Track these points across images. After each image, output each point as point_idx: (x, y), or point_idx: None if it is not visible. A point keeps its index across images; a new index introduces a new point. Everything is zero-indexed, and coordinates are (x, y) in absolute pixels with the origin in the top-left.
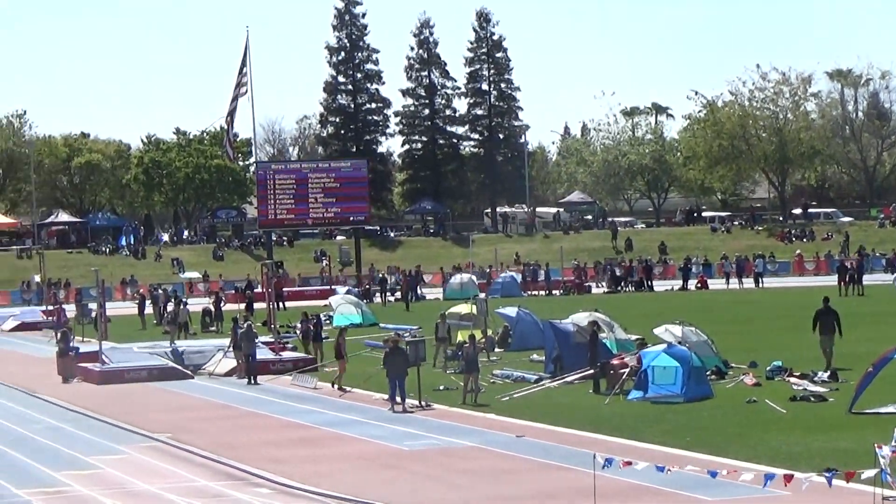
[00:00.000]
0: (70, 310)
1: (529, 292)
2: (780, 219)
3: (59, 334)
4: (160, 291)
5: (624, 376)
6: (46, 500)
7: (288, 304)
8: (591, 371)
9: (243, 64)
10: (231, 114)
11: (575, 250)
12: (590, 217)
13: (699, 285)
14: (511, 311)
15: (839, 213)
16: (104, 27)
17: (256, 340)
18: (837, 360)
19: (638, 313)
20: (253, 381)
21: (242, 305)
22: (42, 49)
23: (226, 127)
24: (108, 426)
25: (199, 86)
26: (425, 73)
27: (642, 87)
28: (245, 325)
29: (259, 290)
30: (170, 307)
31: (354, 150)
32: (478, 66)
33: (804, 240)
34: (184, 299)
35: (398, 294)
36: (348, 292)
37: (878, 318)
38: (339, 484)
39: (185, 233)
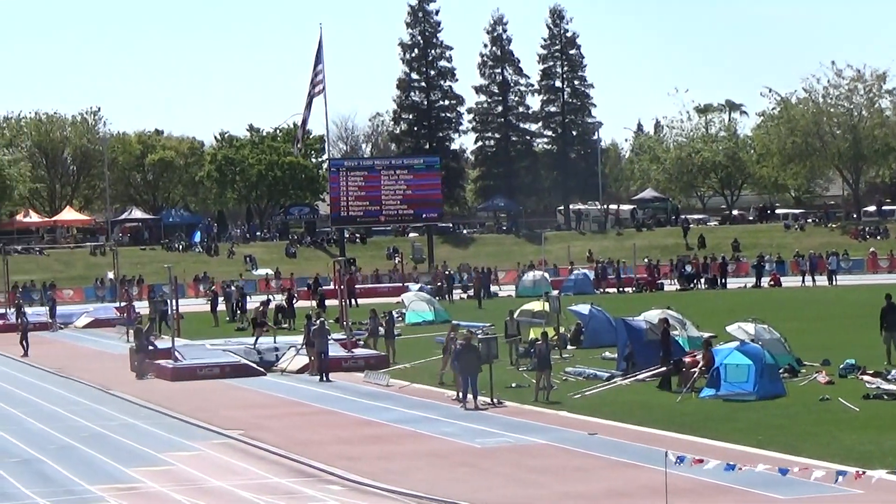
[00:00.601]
0: (143, 307)
1: (602, 289)
2: (854, 216)
3: (134, 331)
4: (233, 288)
5: (696, 374)
6: (119, 496)
7: (360, 301)
8: (664, 368)
9: (317, 61)
10: (307, 110)
11: (648, 247)
12: (663, 215)
13: (772, 283)
14: (584, 308)
15: None
16: (178, 24)
17: (329, 338)
18: None
19: (710, 311)
20: (325, 379)
21: (314, 302)
22: (117, 46)
23: (300, 122)
24: (181, 423)
25: (273, 83)
26: (498, 70)
27: (716, 84)
28: (318, 323)
29: (331, 287)
30: (271, 303)
31: (427, 146)
32: (551, 63)
33: (878, 237)
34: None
35: (471, 292)
36: (421, 289)
37: None
38: (411, 481)
39: (258, 230)
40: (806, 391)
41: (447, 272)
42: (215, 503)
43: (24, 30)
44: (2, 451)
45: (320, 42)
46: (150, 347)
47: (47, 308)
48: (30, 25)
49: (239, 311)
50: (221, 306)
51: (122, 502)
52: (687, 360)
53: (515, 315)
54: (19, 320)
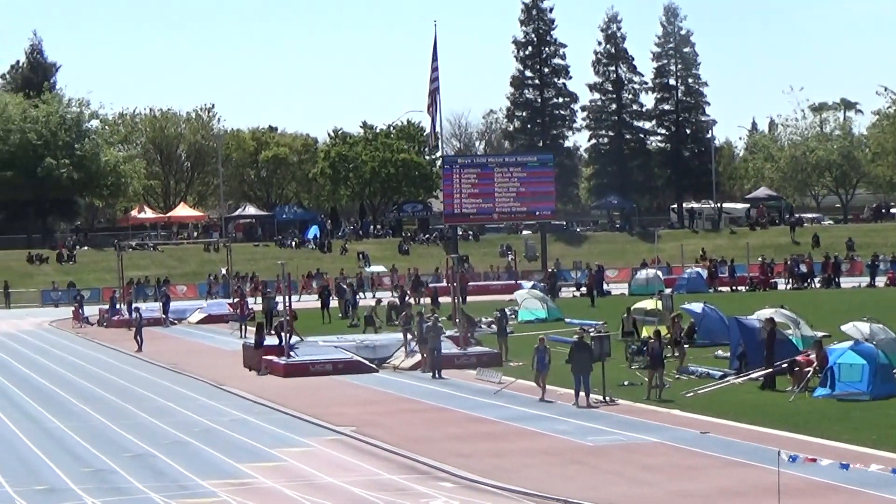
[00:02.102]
0: (255, 303)
1: (715, 288)
2: None
3: (246, 327)
4: (344, 286)
5: (809, 373)
6: (231, 491)
7: (473, 298)
8: (770, 369)
9: (433, 59)
10: (431, 107)
11: (761, 246)
12: (776, 213)
13: (888, 282)
14: (697, 306)
15: None
16: (292, 22)
17: (442, 335)
18: None
19: (825, 310)
20: (438, 376)
21: (421, 300)
22: (232, 43)
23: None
24: (293, 419)
25: (387, 80)
26: (612, 67)
27: (831, 83)
28: (431, 320)
29: (444, 284)
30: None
31: (541, 144)
32: (665, 61)
33: None
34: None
35: (584, 289)
36: (534, 287)
37: None
38: (523, 479)
39: (371, 227)
40: None
41: (551, 270)
42: (327, 499)
43: (139, 27)
44: (116, 446)
45: (435, 40)
46: (264, 343)
47: (160, 304)
48: (146, 23)
49: (351, 308)
50: (333, 303)
51: (235, 498)
52: (800, 359)
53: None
54: (133, 316)
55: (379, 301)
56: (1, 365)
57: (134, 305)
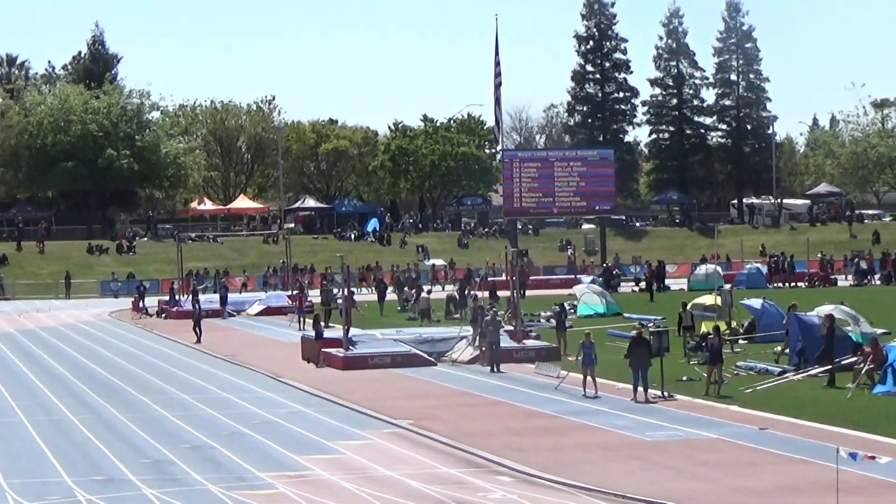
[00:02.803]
0: (314, 295)
1: (774, 284)
2: None
3: (308, 319)
4: (403, 279)
5: (862, 369)
6: (289, 483)
7: (532, 293)
8: (829, 366)
9: (496, 53)
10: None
11: (821, 242)
12: (837, 209)
13: None
14: (756, 302)
15: None
16: (353, 14)
17: (501, 329)
18: None
19: (884, 307)
20: (496, 370)
21: (486, 293)
22: (291, 35)
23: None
24: (351, 411)
25: (447, 73)
26: (674, 62)
27: (893, 79)
28: (490, 314)
29: (503, 278)
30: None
31: (601, 139)
32: (726, 57)
33: None
34: (428, 287)
35: (643, 284)
36: (593, 282)
37: None
38: (580, 473)
39: (431, 220)
40: None
41: (605, 265)
42: (384, 492)
43: (201, 19)
44: (174, 437)
45: (497, 34)
46: (322, 335)
47: (219, 295)
48: (207, 15)
49: (411, 301)
50: (392, 296)
51: (292, 489)
52: (859, 355)
53: (688, 308)
54: (196, 307)
55: (429, 292)
56: (61, 355)
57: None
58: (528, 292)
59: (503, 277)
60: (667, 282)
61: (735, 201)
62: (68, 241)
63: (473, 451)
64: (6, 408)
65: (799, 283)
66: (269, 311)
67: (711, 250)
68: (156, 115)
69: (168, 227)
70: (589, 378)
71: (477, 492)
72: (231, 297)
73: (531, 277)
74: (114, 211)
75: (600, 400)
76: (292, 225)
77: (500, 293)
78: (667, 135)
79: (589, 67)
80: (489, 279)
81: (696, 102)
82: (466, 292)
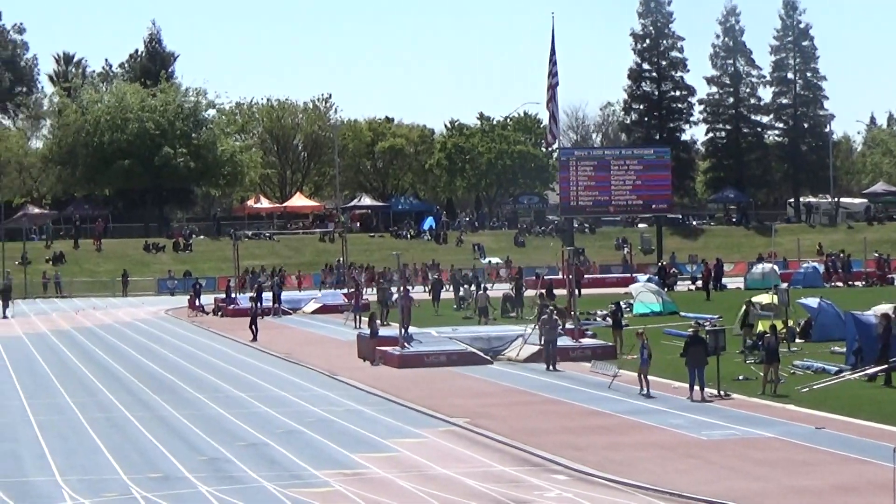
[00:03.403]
0: (371, 294)
1: (831, 283)
2: None
3: (364, 317)
4: (459, 277)
5: None
6: (345, 481)
7: (589, 291)
8: (885, 365)
9: (553, 52)
10: (550, 102)
11: (878, 242)
12: (894, 209)
13: None
14: (813, 301)
15: None
16: (409, 12)
17: (558, 327)
18: None
19: None
20: (552, 368)
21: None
22: (348, 34)
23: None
24: (407, 410)
25: (504, 71)
26: (730, 61)
27: None
28: (547, 312)
29: (559, 276)
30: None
31: (657, 137)
32: (783, 55)
33: None
34: (484, 284)
35: (699, 283)
36: (649, 280)
37: None
38: (637, 472)
39: (487, 218)
40: None
41: (660, 264)
42: (440, 490)
43: (257, 17)
44: (230, 435)
45: (553, 32)
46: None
47: (273, 293)
48: (263, 13)
49: (468, 300)
50: (447, 294)
51: (348, 487)
52: None
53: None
54: (258, 305)
55: (485, 289)
56: (117, 353)
57: (250, 295)
58: (584, 291)
59: (560, 276)
60: (723, 280)
61: (792, 200)
62: (125, 239)
63: (529, 450)
64: (63, 405)
65: (856, 283)
66: (325, 309)
67: (768, 249)
68: (212, 113)
69: (228, 223)
70: (642, 376)
71: (533, 490)
72: (287, 294)
73: (587, 276)
74: (170, 209)
75: (657, 399)
76: (348, 222)
77: (555, 291)
78: (723, 133)
79: (645, 66)
80: (546, 277)
81: (752, 101)
82: (522, 290)
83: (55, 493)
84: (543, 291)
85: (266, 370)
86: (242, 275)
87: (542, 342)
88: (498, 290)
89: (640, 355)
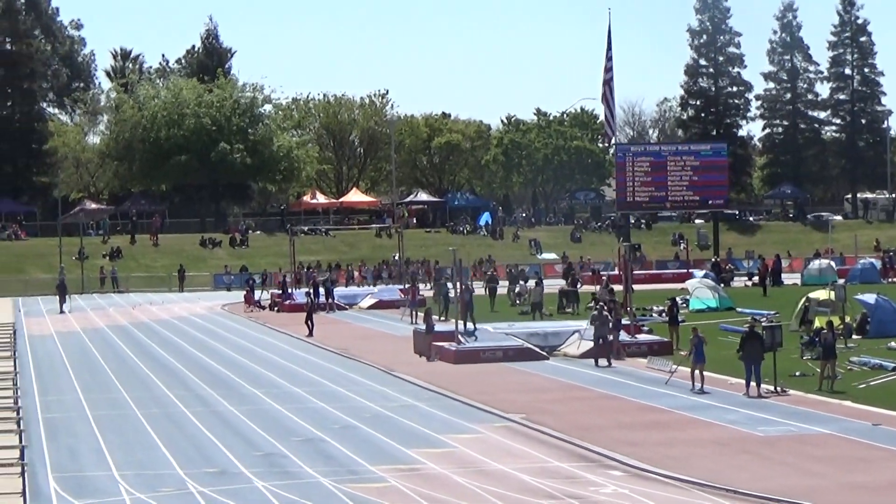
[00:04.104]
0: (427, 289)
1: (888, 279)
2: None
3: (420, 313)
4: (515, 272)
5: None
6: (401, 477)
7: (644, 287)
8: None
9: (609, 47)
10: (605, 97)
11: None
12: None
13: None
14: (870, 297)
15: None
16: (465, 8)
17: (609, 323)
18: None
19: None
20: (607, 364)
21: (597, 287)
22: (405, 29)
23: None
24: (463, 405)
25: (560, 67)
26: (787, 57)
27: None
28: (598, 308)
29: (616, 272)
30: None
31: (714, 133)
32: (841, 51)
33: None
34: (538, 279)
35: (756, 279)
36: (706, 276)
37: None
38: (692, 468)
39: (543, 214)
40: None
41: (714, 260)
42: (496, 486)
43: (314, 13)
44: (286, 430)
45: (609, 27)
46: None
47: (326, 289)
48: (320, 8)
49: (524, 296)
50: (503, 290)
51: (404, 483)
52: None
53: (801, 303)
54: (316, 300)
55: (536, 284)
56: (173, 348)
57: (306, 290)
58: (640, 287)
59: (616, 271)
60: (780, 277)
61: (849, 196)
62: (181, 235)
63: (585, 446)
64: (120, 400)
65: None
66: (380, 305)
67: (825, 245)
68: (269, 108)
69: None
70: (697, 372)
71: (588, 486)
72: (343, 290)
73: (643, 272)
74: (226, 204)
75: (712, 395)
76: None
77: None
78: (780, 129)
79: (702, 62)
80: (601, 273)
81: (810, 97)
82: (578, 286)
83: (112, 487)
84: (613, 287)
85: (322, 365)
86: (297, 270)
87: (594, 338)
88: (555, 286)
89: (693, 352)
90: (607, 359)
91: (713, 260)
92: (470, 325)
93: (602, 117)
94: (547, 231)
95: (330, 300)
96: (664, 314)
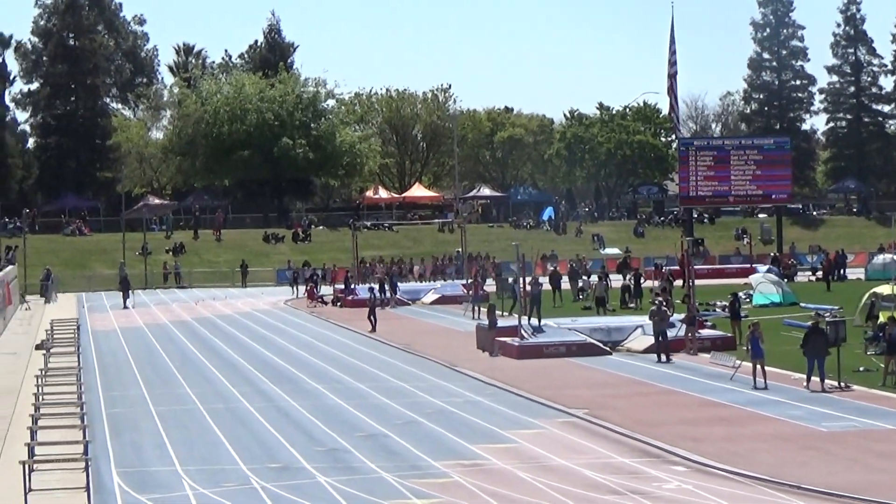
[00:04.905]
0: (490, 284)
1: None
2: None
3: (480, 308)
4: (578, 267)
5: None
6: (464, 472)
7: (708, 282)
8: None
9: (672, 41)
10: (670, 91)
11: None
12: None
13: None
14: None
15: None
16: (527, 2)
17: (668, 318)
18: None
19: None
20: (666, 359)
21: (656, 283)
22: (467, 24)
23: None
24: (526, 400)
25: (623, 60)
26: (851, 50)
27: None
28: (656, 303)
29: (676, 266)
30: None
31: (778, 127)
32: None
33: None
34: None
35: (819, 273)
36: (769, 271)
37: None
38: (755, 464)
39: (606, 209)
40: None
41: (773, 255)
42: (559, 481)
43: (377, 7)
44: (349, 426)
45: (672, 21)
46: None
47: (388, 284)
48: (382, 3)
49: (587, 291)
50: (565, 285)
51: (467, 478)
52: None
53: (866, 298)
54: (383, 295)
55: (599, 279)
56: (237, 343)
57: (369, 285)
58: (702, 282)
59: (676, 266)
60: (844, 271)
61: None
62: (244, 230)
63: (648, 441)
64: (183, 396)
65: None
66: (443, 300)
67: (889, 239)
68: (331, 103)
69: (346, 214)
70: (758, 368)
71: (651, 481)
72: (406, 286)
73: (705, 266)
74: (289, 199)
75: (776, 390)
76: (468, 213)
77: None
78: (844, 123)
79: (765, 55)
80: (663, 268)
81: (874, 90)
82: (641, 281)
83: (175, 482)
84: (662, 281)
85: (385, 361)
86: (360, 265)
87: (653, 334)
88: (617, 281)
89: (754, 347)
90: (667, 354)
91: (772, 255)
92: (535, 321)
93: (665, 111)
94: (610, 226)
95: (392, 296)
96: (727, 309)
